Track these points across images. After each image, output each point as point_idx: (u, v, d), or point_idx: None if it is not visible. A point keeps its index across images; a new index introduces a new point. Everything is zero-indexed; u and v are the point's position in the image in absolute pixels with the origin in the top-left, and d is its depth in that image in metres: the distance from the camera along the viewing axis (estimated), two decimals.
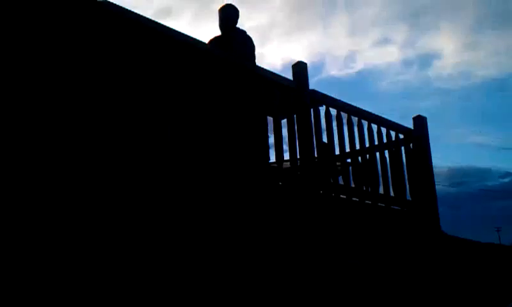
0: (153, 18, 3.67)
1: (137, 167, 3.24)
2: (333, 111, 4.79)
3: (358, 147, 4.98)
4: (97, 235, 2.88)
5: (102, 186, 3.00)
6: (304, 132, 4.47)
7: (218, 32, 5.52)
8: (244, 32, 5.45)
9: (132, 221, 3.06)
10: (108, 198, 3.01)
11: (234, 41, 5.27)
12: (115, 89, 3.26)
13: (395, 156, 5.33)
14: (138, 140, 3.31)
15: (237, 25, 5.48)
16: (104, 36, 3.28)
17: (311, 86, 4.67)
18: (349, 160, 5.03)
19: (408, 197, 5.33)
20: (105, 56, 3.25)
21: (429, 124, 5.86)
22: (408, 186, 5.34)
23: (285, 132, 4.70)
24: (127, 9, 3.45)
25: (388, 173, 5.16)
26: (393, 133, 5.37)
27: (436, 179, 5.86)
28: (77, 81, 3.06)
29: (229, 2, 5.50)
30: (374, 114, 5.25)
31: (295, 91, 4.56)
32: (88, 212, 2.89)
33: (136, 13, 3.52)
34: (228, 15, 5.45)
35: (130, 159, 3.23)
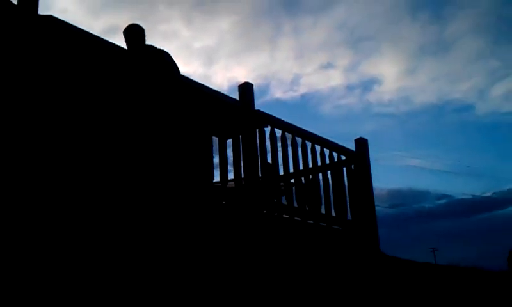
0: (100, 35, 3.65)
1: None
2: (278, 132, 4.87)
3: (301, 167, 5.07)
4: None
5: None
6: (249, 152, 4.52)
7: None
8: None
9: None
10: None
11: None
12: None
13: (337, 176, 5.46)
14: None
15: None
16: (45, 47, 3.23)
17: (257, 107, 4.74)
18: (292, 181, 5.11)
19: (349, 217, 5.46)
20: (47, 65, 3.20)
21: (370, 147, 6.06)
22: (349, 206, 5.48)
23: (230, 152, 4.74)
24: (70, 24, 3.41)
25: (330, 193, 5.28)
26: (335, 155, 5.51)
27: (376, 200, 6.04)
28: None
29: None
30: (317, 135, 5.37)
31: (241, 110, 4.62)
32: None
33: (79, 28, 3.49)
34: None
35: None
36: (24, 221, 2.82)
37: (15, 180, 2.87)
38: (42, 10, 3.28)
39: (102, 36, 3.70)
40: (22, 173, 2.92)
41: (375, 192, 6.12)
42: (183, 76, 4.22)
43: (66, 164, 3.18)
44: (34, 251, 2.78)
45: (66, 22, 3.40)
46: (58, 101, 3.23)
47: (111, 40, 3.77)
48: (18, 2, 3.22)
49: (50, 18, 3.32)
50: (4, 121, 2.90)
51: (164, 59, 4.41)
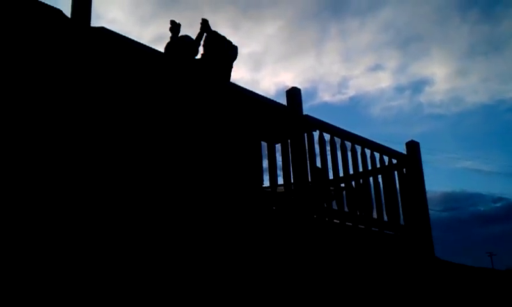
0: (148, 44, 3.73)
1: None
2: (327, 136, 4.82)
3: (351, 171, 5.00)
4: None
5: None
6: (298, 157, 4.49)
7: None
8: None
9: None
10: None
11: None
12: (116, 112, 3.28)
13: (389, 180, 5.34)
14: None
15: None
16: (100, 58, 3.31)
17: (305, 111, 4.71)
18: (342, 185, 5.04)
19: (402, 221, 5.33)
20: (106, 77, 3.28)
21: (421, 149, 5.91)
22: (401, 211, 5.35)
23: (279, 156, 4.73)
24: (122, 35, 3.49)
25: (381, 197, 5.17)
26: (386, 158, 5.40)
27: (429, 204, 5.88)
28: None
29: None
30: (367, 139, 5.28)
31: (289, 116, 4.59)
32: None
33: (130, 39, 3.57)
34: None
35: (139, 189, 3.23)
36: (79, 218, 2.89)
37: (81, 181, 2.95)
38: (93, 21, 3.38)
39: (151, 45, 3.78)
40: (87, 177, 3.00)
41: (428, 196, 5.96)
42: (232, 83, 4.24)
43: (128, 169, 3.25)
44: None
45: (117, 33, 3.49)
46: (113, 110, 3.31)
47: (160, 48, 3.85)
48: (71, 15, 3.32)
49: (103, 30, 3.41)
50: (61, 132, 2.99)
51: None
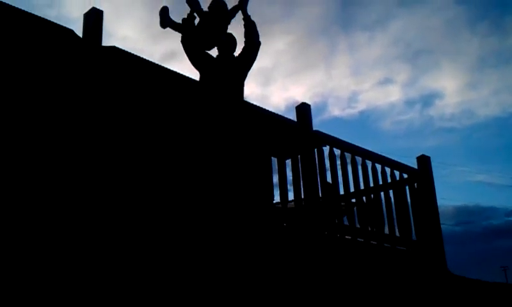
0: (158, 62, 3.76)
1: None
2: (337, 151, 4.82)
3: (362, 187, 4.98)
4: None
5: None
6: (309, 172, 4.48)
7: None
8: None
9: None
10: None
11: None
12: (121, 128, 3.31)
13: (400, 196, 5.31)
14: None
15: None
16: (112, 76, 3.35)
17: (314, 126, 4.72)
18: (353, 200, 5.02)
19: (414, 237, 5.29)
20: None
21: (432, 163, 5.88)
22: (413, 226, 5.31)
23: (289, 172, 4.73)
24: (133, 54, 3.53)
25: (393, 212, 5.14)
26: (397, 173, 5.38)
27: (441, 218, 5.83)
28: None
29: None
30: (377, 154, 5.27)
31: (299, 131, 4.60)
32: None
33: (141, 57, 3.61)
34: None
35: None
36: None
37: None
38: (105, 38, 3.42)
39: (162, 62, 3.81)
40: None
41: (440, 210, 5.91)
42: (243, 100, 4.24)
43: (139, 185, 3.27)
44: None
45: (128, 52, 3.52)
46: (125, 127, 3.33)
47: (171, 66, 3.88)
48: (83, 35, 3.37)
49: (114, 49, 3.45)
50: (75, 148, 3.02)
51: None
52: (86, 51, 3.30)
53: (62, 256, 2.75)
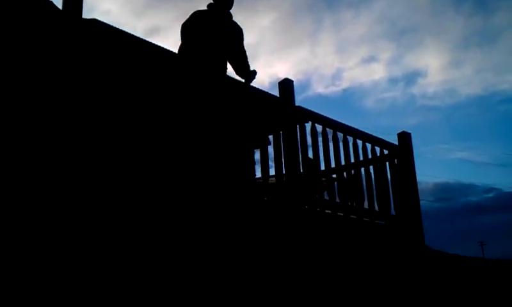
0: (142, 37, 3.73)
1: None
2: (319, 127, 4.86)
3: (343, 162, 5.04)
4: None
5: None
6: (290, 148, 4.52)
7: None
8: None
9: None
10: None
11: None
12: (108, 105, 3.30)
13: (380, 171, 5.40)
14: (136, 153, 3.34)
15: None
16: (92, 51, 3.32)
17: (298, 103, 4.74)
18: (334, 176, 5.09)
19: (393, 212, 5.39)
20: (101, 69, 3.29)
21: (414, 140, 5.97)
22: (392, 201, 5.41)
23: (270, 148, 4.76)
24: (115, 28, 3.50)
25: (372, 188, 5.23)
26: (378, 149, 5.45)
27: (422, 194, 5.97)
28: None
29: None
30: (359, 130, 5.33)
31: (281, 106, 4.62)
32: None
33: (124, 31, 3.58)
34: None
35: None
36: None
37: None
38: (86, 12, 3.38)
39: (145, 37, 3.78)
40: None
41: (420, 187, 6.03)
42: (226, 75, 4.26)
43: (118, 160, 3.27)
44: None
45: (110, 25, 3.49)
46: (105, 103, 3.32)
47: (154, 40, 3.86)
48: (63, 6, 3.33)
49: (95, 21, 3.41)
50: (52, 125, 3.01)
51: None
52: (65, 23, 3.26)
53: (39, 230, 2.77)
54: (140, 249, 3.16)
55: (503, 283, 6.80)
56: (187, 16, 4.95)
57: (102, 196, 3.11)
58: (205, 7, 5.03)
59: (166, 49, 3.88)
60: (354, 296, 4.47)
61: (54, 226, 2.81)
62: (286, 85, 4.73)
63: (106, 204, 3.10)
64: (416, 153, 5.96)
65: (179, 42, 4.89)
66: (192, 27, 4.85)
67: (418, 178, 5.94)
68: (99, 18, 3.44)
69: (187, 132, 3.77)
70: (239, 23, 5.13)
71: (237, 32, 5.07)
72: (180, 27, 4.93)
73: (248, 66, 5.19)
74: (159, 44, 3.85)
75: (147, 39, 3.77)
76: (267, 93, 4.63)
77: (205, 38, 4.74)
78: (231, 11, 5.05)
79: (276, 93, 4.71)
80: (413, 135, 6.03)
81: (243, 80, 5.04)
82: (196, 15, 4.92)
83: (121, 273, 3.01)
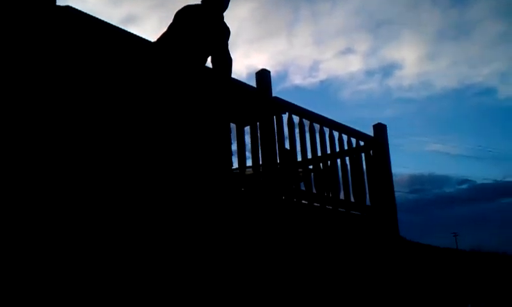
0: (117, 25, 3.69)
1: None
2: (296, 118, 4.87)
3: (319, 153, 5.07)
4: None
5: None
6: (267, 139, 4.53)
7: None
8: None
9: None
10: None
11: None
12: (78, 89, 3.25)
13: (356, 162, 5.45)
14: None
15: None
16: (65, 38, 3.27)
17: (276, 94, 4.75)
18: (311, 167, 5.12)
19: (368, 202, 5.46)
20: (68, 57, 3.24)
21: (390, 132, 6.03)
22: (368, 192, 5.47)
23: (248, 139, 4.76)
24: (89, 15, 3.45)
25: (348, 179, 5.28)
26: (354, 141, 5.50)
27: (396, 186, 6.05)
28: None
29: None
30: (335, 122, 5.36)
31: (258, 97, 4.63)
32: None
33: (98, 19, 3.52)
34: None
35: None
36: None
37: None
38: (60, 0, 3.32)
39: (122, 26, 3.73)
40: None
41: (396, 178, 6.12)
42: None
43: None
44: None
45: (84, 13, 3.44)
46: (79, 94, 3.28)
47: (130, 29, 3.81)
48: None
49: (68, 8, 3.35)
50: (22, 116, 2.95)
51: None
52: (38, 10, 3.20)
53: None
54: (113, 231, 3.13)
55: (475, 272, 6.95)
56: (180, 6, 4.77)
57: (75, 178, 3.07)
58: (173, 2, 4.99)
59: (141, 38, 3.84)
60: (329, 284, 4.52)
61: (42, 223, 2.77)
62: (263, 75, 4.74)
63: (80, 183, 3.07)
64: (391, 145, 6.03)
65: (156, 31, 4.80)
66: (182, 18, 4.68)
67: (394, 170, 6.02)
68: (73, 6, 3.39)
69: (164, 122, 3.74)
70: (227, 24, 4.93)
71: (225, 33, 4.85)
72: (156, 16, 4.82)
73: (228, 66, 4.95)
74: (135, 33, 3.81)
75: (123, 27, 3.74)
76: (244, 83, 4.62)
77: (191, 31, 4.65)
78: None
79: (253, 84, 4.71)
80: (388, 127, 6.09)
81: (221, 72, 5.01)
82: (189, 7, 4.72)
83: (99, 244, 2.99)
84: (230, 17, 4.71)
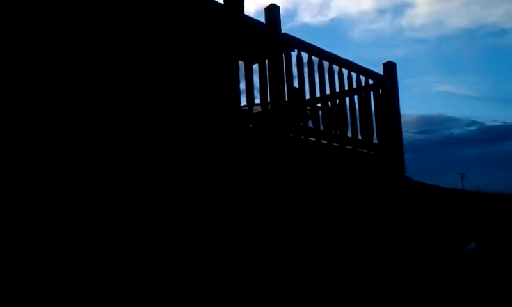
0: None
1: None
2: (305, 57, 4.83)
3: (328, 92, 5.06)
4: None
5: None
6: (276, 77, 4.51)
7: None
8: None
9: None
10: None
11: None
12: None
13: (364, 101, 5.44)
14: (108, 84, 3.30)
15: None
16: None
17: (284, 32, 4.68)
18: (319, 105, 5.12)
19: (375, 141, 5.48)
20: None
21: (399, 73, 5.98)
22: (375, 130, 5.48)
23: (256, 78, 4.74)
24: None
25: (356, 117, 5.28)
26: (363, 79, 5.46)
27: (406, 126, 6.06)
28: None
29: None
30: (345, 59, 5.31)
31: (267, 34, 4.57)
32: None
33: None
34: None
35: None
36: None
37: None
38: None
39: None
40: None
41: (404, 118, 6.11)
42: None
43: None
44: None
45: None
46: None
47: None
48: None
49: None
50: None
51: None
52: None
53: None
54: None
55: (479, 212, 7.03)
56: None
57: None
58: None
59: None
60: (334, 220, 4.60)
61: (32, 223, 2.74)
62: (272, 11, 4.65)
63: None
64: (401, 85, 6.00)
65: None
66: None
67: (402, 110, 6.01)
68: None
69: (172, 55, 3.72)
70: None
71: None
72: None
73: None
74: None
75: None
76: (253, 18, 4.55)
77: None
78: None
79: (261, 20, 4.63)
80: (398, 67, 6.03)
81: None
82: None
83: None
84: None
